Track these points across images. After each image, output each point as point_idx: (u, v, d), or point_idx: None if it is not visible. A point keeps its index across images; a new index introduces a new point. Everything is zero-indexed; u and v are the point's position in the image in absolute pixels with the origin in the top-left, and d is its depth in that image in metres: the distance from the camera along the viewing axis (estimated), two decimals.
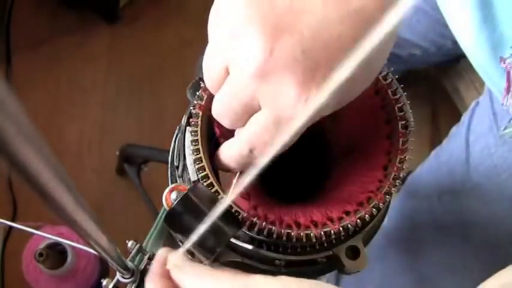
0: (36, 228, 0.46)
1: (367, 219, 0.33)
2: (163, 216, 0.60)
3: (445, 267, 0.59)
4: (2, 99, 0.12)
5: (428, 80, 0.99)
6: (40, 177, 0.15)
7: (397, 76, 0.36)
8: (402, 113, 0.35)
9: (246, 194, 0.34)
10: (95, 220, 0.22)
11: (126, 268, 0.36)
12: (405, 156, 0.34)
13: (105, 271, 0.96)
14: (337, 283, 0.73)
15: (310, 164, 0.43)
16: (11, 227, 1.06)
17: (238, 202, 0.33)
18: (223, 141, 0.34)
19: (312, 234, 0.31)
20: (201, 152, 0.33)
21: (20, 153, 0.14)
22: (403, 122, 0.35)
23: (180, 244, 0.31)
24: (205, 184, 0.33)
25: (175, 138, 0.39)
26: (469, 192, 0.59)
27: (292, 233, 0.31)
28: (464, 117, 0.64)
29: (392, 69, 0.36)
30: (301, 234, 0.31)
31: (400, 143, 0.34)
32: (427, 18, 0.70)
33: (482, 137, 0.59)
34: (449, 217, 0.61)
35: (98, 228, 0.23)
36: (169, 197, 0.32)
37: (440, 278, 0.59)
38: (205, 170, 0.33)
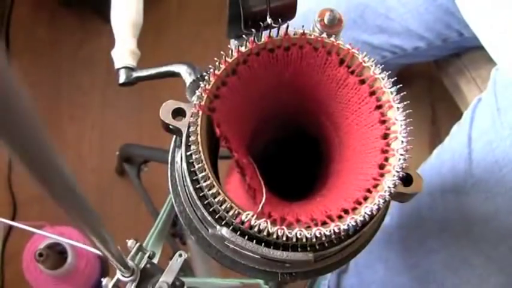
0: (36, 228, 0.46)
1: (366, 219, 0.33)
2: (163, 216, 0.61)
3: (448, 265, 0.59)
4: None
5: (428, 78, 0.99)
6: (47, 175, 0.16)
7: (395, 78, 0.36)
8: (401, 113, 0.35)
9: (252, 191, 0.33)
10: (98, 219, 0.22)
11: (126, 267, 0.36)
12: (405, 156, 0.34)
13: (105, 271, 0.96)
14: (338, 284, 0.73)
15: (309, 162, 0.43)
16: (11, 227, 1.06)
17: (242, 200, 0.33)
18: (224, 142, 0.34)
19: (312, 235, 0.31)
20: (201, 152, 0.33)
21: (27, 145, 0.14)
22: (402, 122, 0.35)
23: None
24: (205, 184, 0.33)
25: (175, 138, 0.39)
26: (471, 188, 0.59)
27: (290, 234, 0.31)
28: (466, 114, 0.64)
29: (391, 70, 0.36)
30: (301, 235, 0.31)
31: (400, 142, 0.34)
32: (434, 7, 0.69)
33: (485, 133, 0.59)
34: (451, 214, 0.61)
35: (102, 226, 0.24)
36: None
37: (444, 275, 0.60)
38: (205, 170, 0.33)
